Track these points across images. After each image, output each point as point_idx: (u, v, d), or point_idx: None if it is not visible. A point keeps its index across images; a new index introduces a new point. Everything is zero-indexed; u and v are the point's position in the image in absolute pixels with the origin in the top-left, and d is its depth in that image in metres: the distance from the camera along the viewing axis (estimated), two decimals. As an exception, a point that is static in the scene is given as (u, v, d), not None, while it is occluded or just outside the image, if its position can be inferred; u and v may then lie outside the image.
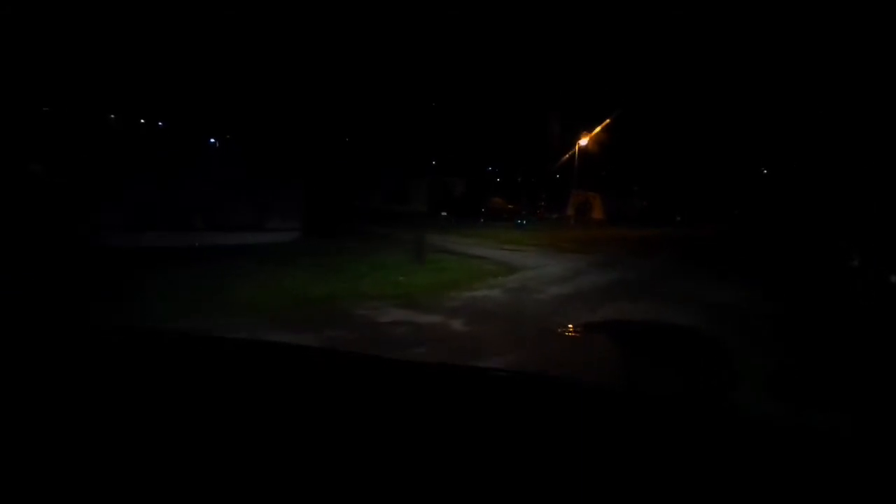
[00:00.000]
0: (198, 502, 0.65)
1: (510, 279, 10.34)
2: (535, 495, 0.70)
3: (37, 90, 14.97)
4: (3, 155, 10.62)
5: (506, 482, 0.72)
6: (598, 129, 26.68)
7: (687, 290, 10.14)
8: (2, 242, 8.69)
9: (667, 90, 35.27)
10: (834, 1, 32.57)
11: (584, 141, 27.82)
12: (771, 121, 43.61)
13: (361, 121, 28.40)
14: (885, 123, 34.54)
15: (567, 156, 28.66)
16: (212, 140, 18.42)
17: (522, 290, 9.21)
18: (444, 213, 24.37)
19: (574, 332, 2.69)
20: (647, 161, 41.71)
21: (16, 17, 14.78)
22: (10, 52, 14.69)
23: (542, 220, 30.72)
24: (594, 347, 1.90)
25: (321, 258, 11.01)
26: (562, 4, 32.57)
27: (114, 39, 17.40)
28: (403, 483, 0.71)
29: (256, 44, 20.78)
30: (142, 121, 19.01)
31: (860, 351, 5.91)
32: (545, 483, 0.73)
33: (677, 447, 0.89)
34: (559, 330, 3.92)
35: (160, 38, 18.49)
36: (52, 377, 1.00)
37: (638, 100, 34.36)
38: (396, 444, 0.82)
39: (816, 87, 38.71)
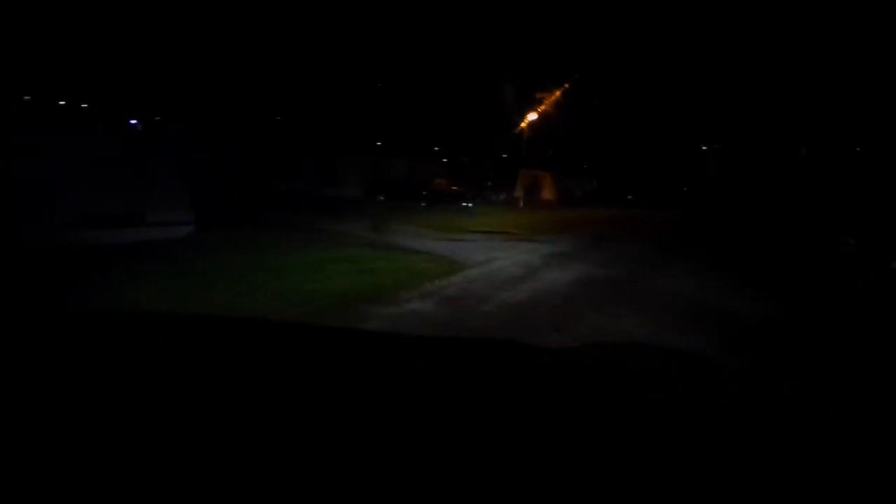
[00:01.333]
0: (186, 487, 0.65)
1: (450, 282, 8.24)
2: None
3: None
4: None
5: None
6: (546, 103, 24.85)
7: (678, 291, 8.31)
8: None
9: (618, 65, 33.84)
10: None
11: (532, 115, 25.97)
12: (717, 98, 43.08)
13: (285, 94, 25.59)
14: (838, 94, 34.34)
15: (516, 132, 26.75)
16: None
17: (464, 299, 7.13)
18: (380, 198, 22.03)
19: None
20: (598, 139, 40.43)
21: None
22: None
23: (489, 203, 28.87)
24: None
25: (210, 260, 8.61)
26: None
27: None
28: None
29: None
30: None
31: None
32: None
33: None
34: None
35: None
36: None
37: (588, 75, 32.78)
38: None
39: (762, 64, 38.28)
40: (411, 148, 29.43)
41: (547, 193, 29.76)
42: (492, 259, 10.55)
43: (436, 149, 31.00)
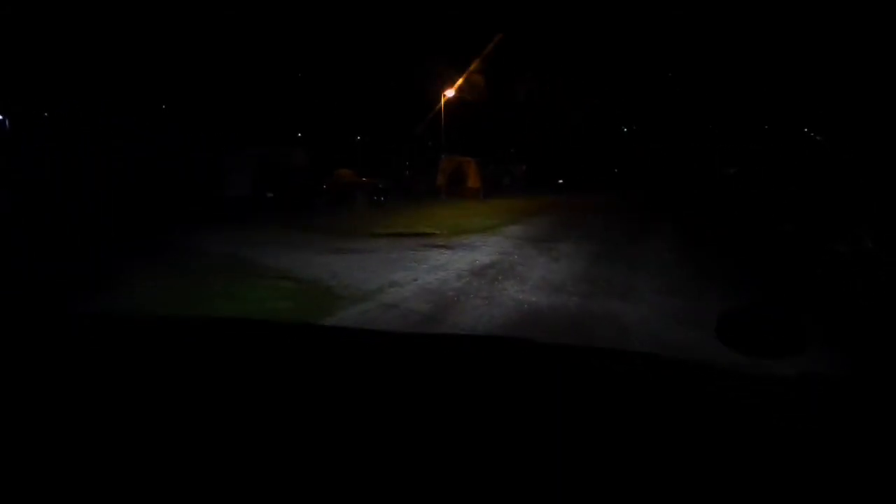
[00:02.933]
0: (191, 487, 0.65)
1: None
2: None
3: None
4: None
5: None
6: (464, 76, 21.83)
7: (655, 334, 5.35)
8: None
9: (542, 37, 31.21)
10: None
11: (450, 92, 22.86)
12: (648, 81, 41.74)
13: (163, 81, 21.30)
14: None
15: (433, 113, 23.55)
16: None
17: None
18: (270, 195, 18.30)
19: None
20: (524, 120, 37.80)
21: None
22: None
23: (409, 195, 25.66)
24: None
25: None
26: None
27: None
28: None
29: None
30: None
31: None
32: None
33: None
34: None
35: None
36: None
37: (510, 47, 29.97)
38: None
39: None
40: (317, 136, 25.65)
41: (472, 181, 26.81)
42: (389, 284, 7.33)
43: (344, 134, 27.20)
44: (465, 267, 8.56)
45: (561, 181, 38.81)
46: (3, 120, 24.61)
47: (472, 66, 21.95)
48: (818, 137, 25.19)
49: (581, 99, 38.77)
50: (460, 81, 22.65)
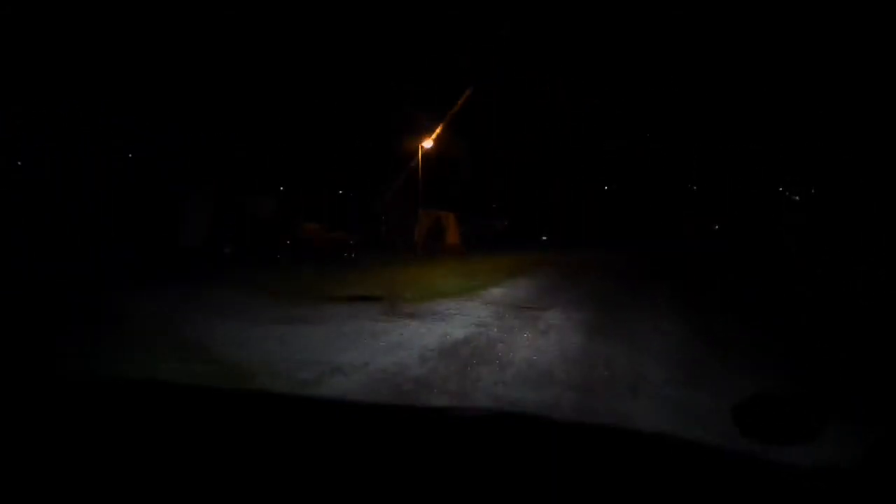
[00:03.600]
0: None
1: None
2: None
3: None
4: None
5: None
6: (443, 124, 20.80)
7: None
8: None
9: (520, 87, 30.67)
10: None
11: (428, 143, 21.80)
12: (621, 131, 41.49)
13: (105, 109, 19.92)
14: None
15: (412, 164, 22.40)
16: None
17: None
18: (227, 250, 16.69)
19: None
20: (507, 174, 36.97)
21: None
22: None
23: (385, 251, 24.22)
24: None
25: None
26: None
27: None
28: None
29: None
30: None
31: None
32: None
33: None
34: None
35: None
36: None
37: (493, 99, 29.39)
38: None
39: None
40: (287, 184, 24.29)
41: (451, 236, 25.49)
42: (331, 370, 5.73)
43: (315, 185, 25.84)
44: (432, 344, 7.00)
45: (545, 237, 37.68)
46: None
47: (450, 117, 20.94)
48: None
49: (561, 152, 38.26)
50: (438, 131, 21.58)
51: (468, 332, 7.74)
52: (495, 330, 8.00)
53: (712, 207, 51.72)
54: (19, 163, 20.67)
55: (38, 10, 18.76)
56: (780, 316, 10.01)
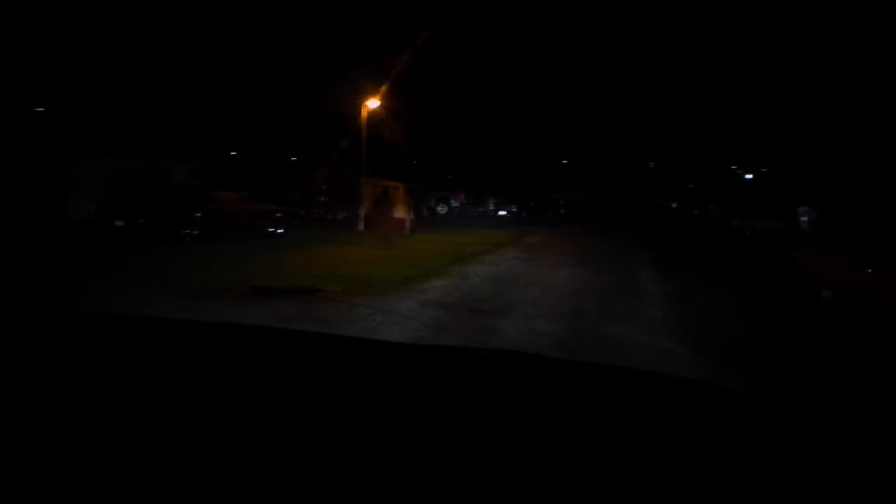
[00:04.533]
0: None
1: None
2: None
3: None
4: None
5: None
6: (389, 81, 18.03)
7: None
8: None
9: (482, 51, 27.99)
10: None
11: (373, 103, 18.99)
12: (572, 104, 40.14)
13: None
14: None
15: (355, 128, 19.55)
16: None
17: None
18: (119, 223, 13.70)
19: None
20: (463, 143, 34.36)
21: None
22: None
23: (323, 225, 21.65)
24: None
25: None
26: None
27: None
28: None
29: None
30: None
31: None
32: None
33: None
34: None
35: None
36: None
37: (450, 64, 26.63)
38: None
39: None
40: (209, 148, 21.14)
41: (399, 212, 22.95)
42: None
43: (243, 149, 22.69)
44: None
45: (504, 213, 35.42)
46: None
47: (400, 71, 18.17)
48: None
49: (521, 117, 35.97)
50: (385, 89, 18.78)
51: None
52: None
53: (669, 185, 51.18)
54: None
55: None
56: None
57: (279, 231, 16.21)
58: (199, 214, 14.19)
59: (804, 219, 22.25)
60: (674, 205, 52.60)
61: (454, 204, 34.15)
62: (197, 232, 13.90)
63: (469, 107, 31.32)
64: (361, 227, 19.69)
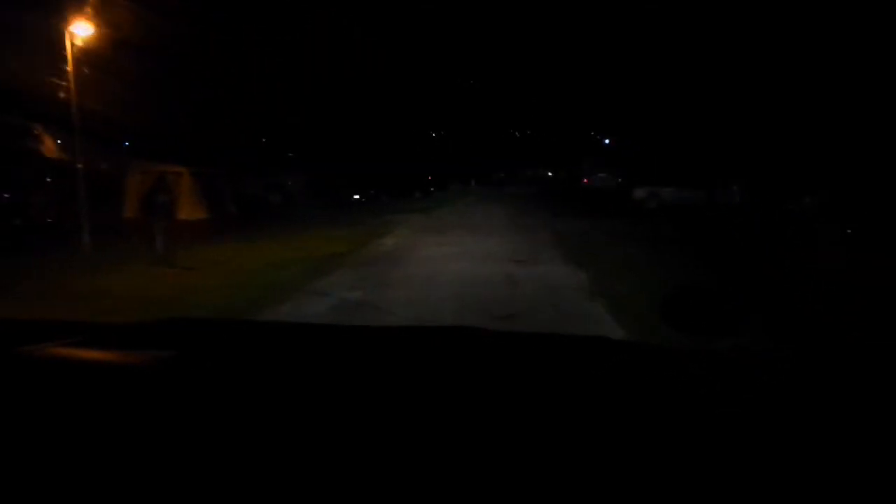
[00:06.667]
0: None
1: None
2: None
3: None
4: None
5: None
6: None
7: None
8: None
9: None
10: None
11: (82, 27, 11.06)
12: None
13: None
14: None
15: (73, 75, 11.36)
16: None
17: None
18: None
19: None
20: (303, 101, 26.29)
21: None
22: None
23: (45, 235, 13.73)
24: None
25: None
26: None
27: None
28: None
29: None
30: None
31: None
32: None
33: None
34: None
35: None
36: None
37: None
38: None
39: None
40: None
41: (186, 211, 15.23)
42: None
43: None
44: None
45: (358, 196, 28.14)
46: None
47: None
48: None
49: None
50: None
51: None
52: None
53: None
54: None
55: None
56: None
57: None
58: None
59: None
60: (549, 173, 55.92)
61: (294, 189, 26.56)
62: None
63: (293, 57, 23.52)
64: (131, 234, 11.75)
